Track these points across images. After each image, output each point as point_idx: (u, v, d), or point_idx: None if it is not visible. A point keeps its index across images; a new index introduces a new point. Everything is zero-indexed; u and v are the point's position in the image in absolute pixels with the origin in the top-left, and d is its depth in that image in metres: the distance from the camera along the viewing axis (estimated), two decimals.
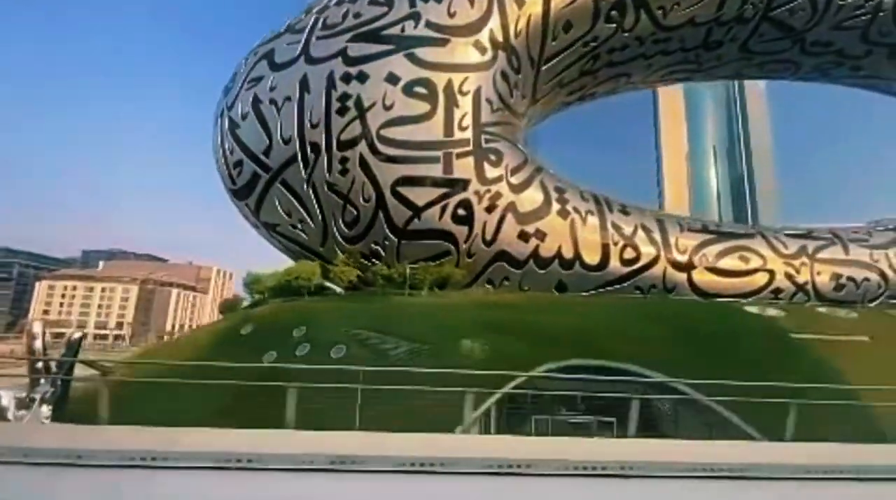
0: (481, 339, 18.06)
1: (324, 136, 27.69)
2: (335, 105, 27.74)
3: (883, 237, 27.44)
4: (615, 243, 26.07)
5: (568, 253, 26.06)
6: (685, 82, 40.83)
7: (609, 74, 35.82)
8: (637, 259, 25.93)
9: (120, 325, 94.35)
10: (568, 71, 33.56)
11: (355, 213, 27.45)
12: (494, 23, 29.14)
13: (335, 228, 28.10)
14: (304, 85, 28.60)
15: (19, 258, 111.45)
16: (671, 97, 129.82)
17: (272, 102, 29.16)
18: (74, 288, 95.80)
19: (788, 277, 25.86)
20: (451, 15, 28.91)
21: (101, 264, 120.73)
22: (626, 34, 32.25)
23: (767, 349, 19.27)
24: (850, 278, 25.97)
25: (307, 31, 30.05)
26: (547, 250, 26.12)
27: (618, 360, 17.96)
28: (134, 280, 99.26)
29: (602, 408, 18.85)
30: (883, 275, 26.16)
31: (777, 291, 25.82)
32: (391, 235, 27.10)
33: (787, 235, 27.38)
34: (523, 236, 26.25)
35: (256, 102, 29.71)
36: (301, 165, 28.11)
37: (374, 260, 27.73)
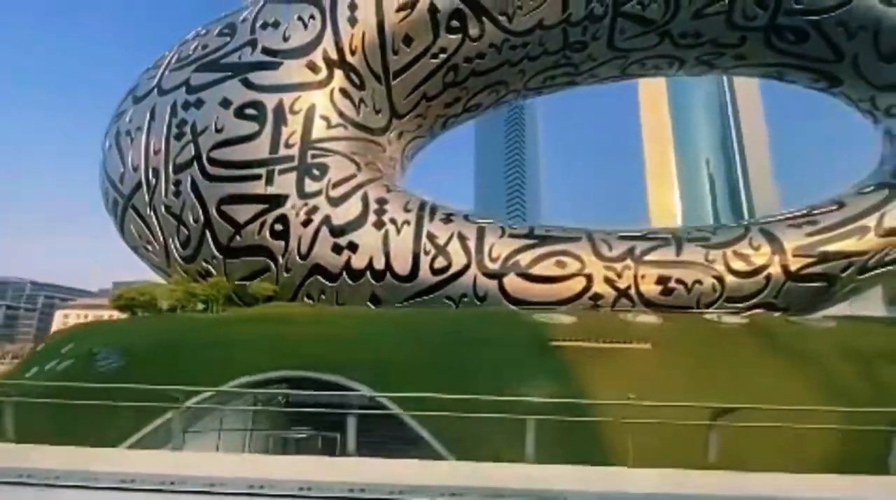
0: (199, 352, 18.00)
1: (163, 161, 29.14)
2: (174, 131, 29.24)
3: (727, 235, 24.76)
4: (427, 253, 25.31)
5: (379, 264, 25.55)
6: (574, 86, 39.44)
7: (480, 84, 35.24)
8: (447, 268, 24.99)
9: None
10: (428, 84, 33.39)
11: (187, 233, 28.38)
12: (328, 42, 29.84)
13: (174, 249, 29.11)
14: (153, 115, 30.40)
15: (45, 291, 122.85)
16: (653, 106, 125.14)
17: (128, 133, 31.14)
18: (86, 316, 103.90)
19: (608, 281, 23.89)
20: (286, 39, 29.96)
21: None
22: (477, 43, 31.88)
23: (504, 360, 17.86)
24: (679, 281, 23.55)
25: (164, 65, 32.10)
26: (358, 261, 25.75)
27: (334, 371, 17.32)
28: None
29: (327, 423, 18.19)
30: (719, 277, 23.56)
31: (596, 296, 23.91)
32: (217, 254, 27.73)
33: (620, 236, 25.44)
34: (336, 249, 26.06)
35: (118, 134, 31.86)
36: (145, 190, 29.61)
37: (207, 279, 28.40)
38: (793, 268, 23.56)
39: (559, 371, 17.73)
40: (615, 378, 17.78)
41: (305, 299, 26.74)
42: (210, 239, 27.72)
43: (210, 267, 28.10)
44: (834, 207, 25.21)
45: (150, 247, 30.52)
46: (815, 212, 25.46)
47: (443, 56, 32.26)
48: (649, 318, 21.43)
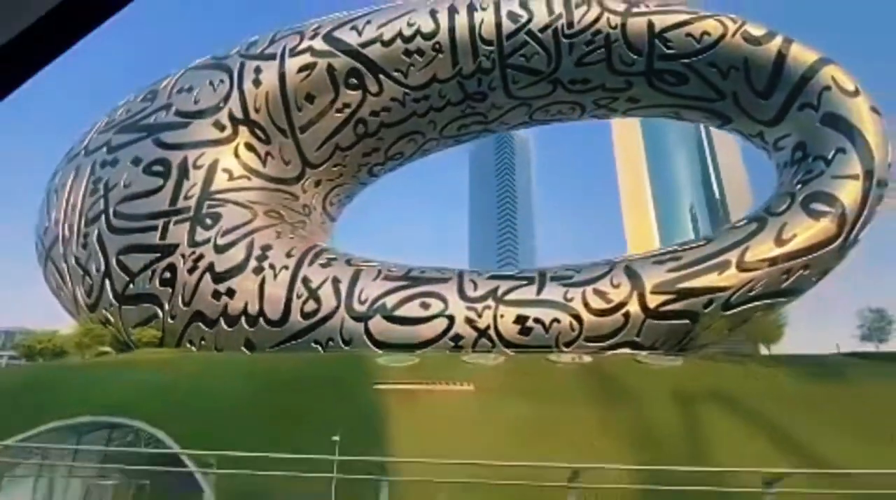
0: (19, 397, 18.63)
1: (77, 216, 31.18)
2: (90, 188, 31.46)
3: (590, 273, 24.53)
4: (299, 297, 25.86)
5: (253, 309, 26.17)
6: (490, 133, 40.94)
7: (394, 134, 36.93)
8: (317, 312, 25.39)
9: None
10: (340, 136, 35.23)
11: (91, 282, 29.82)
12: (234, 103, 32.19)
13: (81, 298, 30.49)
14: (77, 174, 32.86)
15: None
16: (628, 156, 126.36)
17: (55, 190, 33.63)
18: None
19: (469, 322, 23.78)
20: (196, 102, 32.51)
21: None
22: (378, 97, 33.83)
23: (313, 407, 17.84)
24: (537, 321, 23.26)
25: (94, 128, 35.04)
26: (234, 307, 26.44)
27: (139, 417, 17.60)
28: None
29: (140, 469, 18.25)
30: (576, 315, 23.18)
31: (457, 337, 23.74)
32: (114, 301, 28.91)
33: (490, 276, 25.58)
34: (215, 295, 26.90)
35: (49, 191, 34.42)
36: (60, 243, 31.53)
37: (109, 326, 29.46)
38: (651, 305, 23.03)
39: (368, 416, 17.56)
40: (424, 422, 17.48)
41: (188, 345, 27.36)
42: (108, 288, 29.02)
43: (109, 315, 29.23)
44: (702, 243, 24.88)
45: (62, 296, 32.05)
46: (683, 248, 25.12)
47: (348, 110, 34.24)
48: (493, 359, 21.17)
